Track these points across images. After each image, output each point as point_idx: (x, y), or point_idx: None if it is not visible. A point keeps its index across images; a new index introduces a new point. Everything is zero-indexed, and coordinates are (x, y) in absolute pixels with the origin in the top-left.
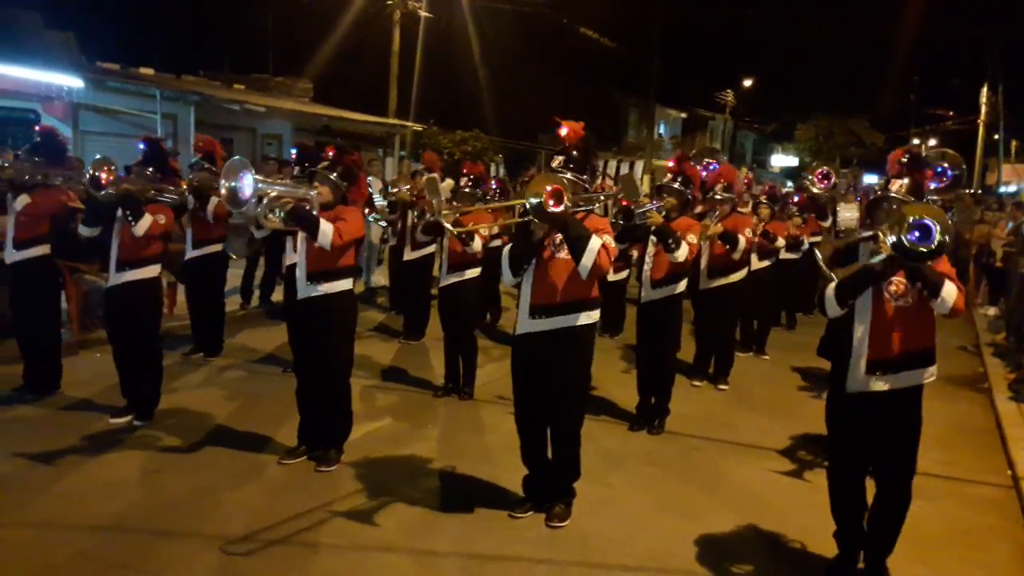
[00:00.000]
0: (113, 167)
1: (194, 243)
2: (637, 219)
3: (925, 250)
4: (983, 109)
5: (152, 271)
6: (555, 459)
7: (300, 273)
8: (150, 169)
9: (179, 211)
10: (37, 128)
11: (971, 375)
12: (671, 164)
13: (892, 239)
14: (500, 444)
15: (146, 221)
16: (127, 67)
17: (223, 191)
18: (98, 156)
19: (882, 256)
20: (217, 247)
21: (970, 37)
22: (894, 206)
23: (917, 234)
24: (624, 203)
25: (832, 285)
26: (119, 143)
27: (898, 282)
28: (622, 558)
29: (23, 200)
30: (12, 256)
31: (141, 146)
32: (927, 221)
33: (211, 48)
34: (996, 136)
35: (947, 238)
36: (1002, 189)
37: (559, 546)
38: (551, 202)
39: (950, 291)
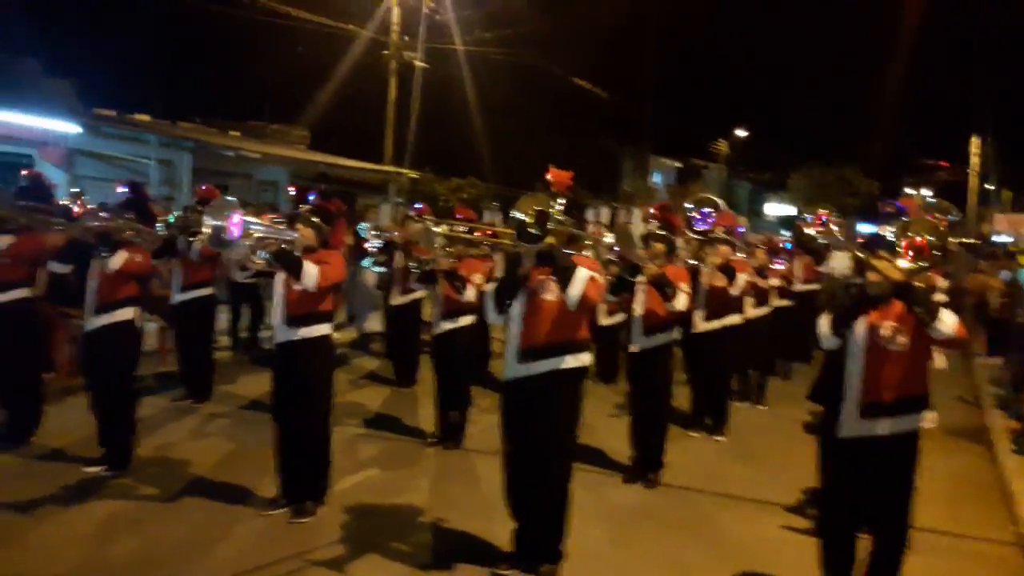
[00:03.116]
0: (86, 199)
1: (182, 286)
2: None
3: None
4: (974, 159)
5: (127, 313)
6: (542, 513)
7: (279, 317)
8: (130, 213)
9: (167, 253)
10: (24, 173)
11: (972, 427)
12: (654, 212)
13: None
14: (493, 496)
15: (121, 256)
16: (123, 113)
17: (206, 230)
18: (73, 190)
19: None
20: (206, 290)
21: (961, 88)
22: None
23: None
24: (628, 258)
25: (826, 315)
26: (114, 188)
27: (890, 325)
28: None
29: (6, 241)
30: None
31: (122, 189)
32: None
33: (208, 95)
34: (988, 186)
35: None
36: (996, 239)
37: None
38: (535, 224)
39: (949, 315)
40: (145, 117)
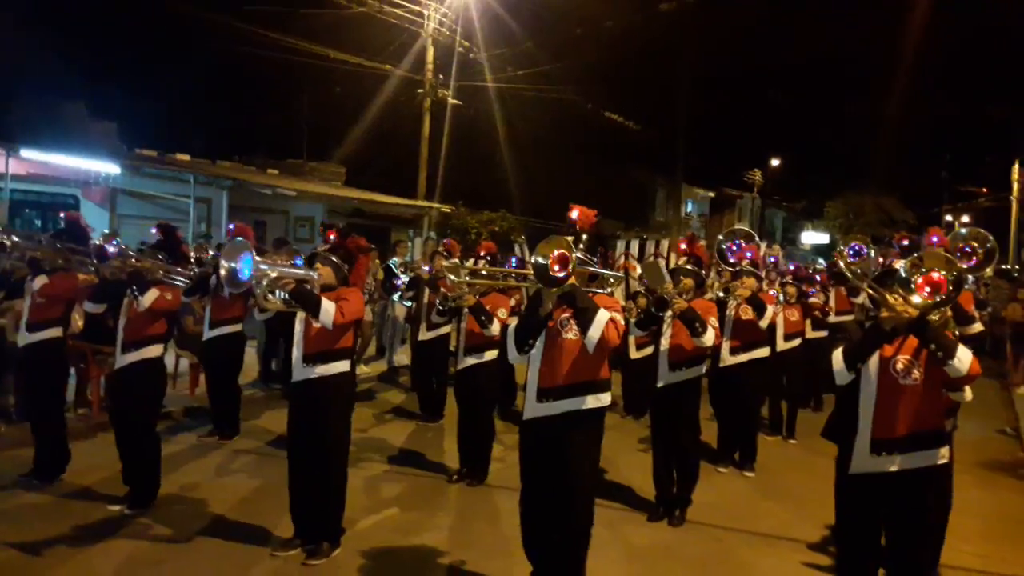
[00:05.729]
0: (119, 240)
1: (211, 323)
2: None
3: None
4: (1015, 186)
5: (154, 351)
6: (560, 556)
7: (297, 355)
8: (161, 254)
9: (200, 291)
10: (62, 215)
11: (1011, 461)
12: (683, 246)
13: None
14: (514, 534)
15: (151, 295)
16: (164, 153)
17: (223, 272)
18: (105, 231)
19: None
20: (235, 327)
21: (1002, 114)
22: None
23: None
24: (657, 293)
25: (840, 349)
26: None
27: (903, 359)
28: None
29: (40, 280)
30: (25, 339)
31: (154, 231)
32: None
33: (248, 135)
34: None
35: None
36: None
37: None
38: (556, 267)
39: (965, 353)
40: (185, 157)
